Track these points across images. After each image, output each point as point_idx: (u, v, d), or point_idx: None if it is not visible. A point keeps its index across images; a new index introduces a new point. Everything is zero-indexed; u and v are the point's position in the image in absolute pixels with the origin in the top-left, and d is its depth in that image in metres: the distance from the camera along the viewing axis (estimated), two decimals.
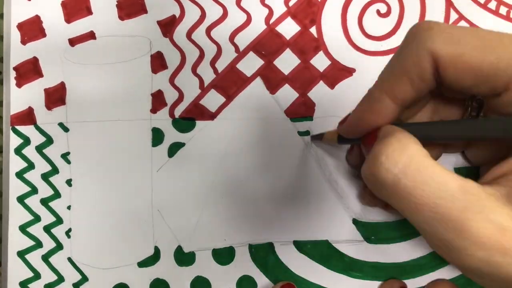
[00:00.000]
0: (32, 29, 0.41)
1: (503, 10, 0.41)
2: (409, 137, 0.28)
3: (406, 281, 0.40)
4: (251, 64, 0.42)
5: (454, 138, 0.33)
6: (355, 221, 0.41)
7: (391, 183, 0.27)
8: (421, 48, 0.29)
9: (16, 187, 0.41)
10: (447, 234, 0.26)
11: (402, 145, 0.27)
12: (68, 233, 0.41)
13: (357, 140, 0.34)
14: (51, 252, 0.41)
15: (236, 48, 0.41)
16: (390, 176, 0.27)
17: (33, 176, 0.41)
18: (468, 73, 0.28)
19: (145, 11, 0.42)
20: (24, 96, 0.41)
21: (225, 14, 0.41)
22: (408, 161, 0.27)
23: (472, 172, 0.40)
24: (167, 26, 0.41)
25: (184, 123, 0.41)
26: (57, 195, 0.41)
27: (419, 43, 0.29)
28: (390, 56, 0.41)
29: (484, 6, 0.41)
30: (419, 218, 0.27)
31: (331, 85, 0.41)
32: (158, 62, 0.41)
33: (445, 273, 0.41)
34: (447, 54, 0.28)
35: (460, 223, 0.25)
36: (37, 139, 0.41)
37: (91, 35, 0.41)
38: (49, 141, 0.41)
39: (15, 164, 0.41)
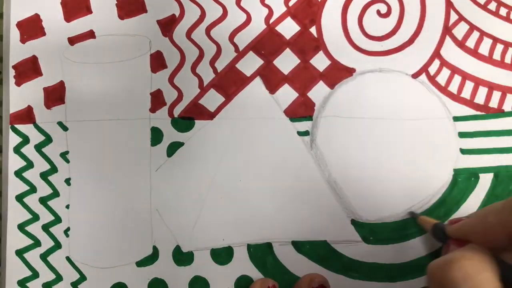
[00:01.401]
0: (32, 27, 0.41)
1: (503, 11, 0.41)
2: (490, 264, 0.28)
3: (405, 282, 0.41)
4: (250, 63, 0.41)
5: None
6: (354, 222, 0.41)
7: None
8: None
9: (15, 186, 0.41)
10: None
11: (480, 267, 0.28)
12: (66, 232, 0.41)
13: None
14: (50, 251, 0.41)
15: (236, 47, 0.41)
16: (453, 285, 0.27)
17: (32, 175, 0.41)
18: None
19: (145, 10, 0.41)
20: (23, 95, 0.41)
21: (225, 14, 0.41)
22: (477, 284, 0.27)
23: (471, 173, 0.41)
24: (167, 25, 0.41)
25: (183, 122, 0.41)
26: (55, 194, 0.41)
27: None
28: (390, 56, 0.41)
29: (484, 7, 0.41)
30: None
31: (331, 85, 0.41)
32: (157, 61, 0.41)
33: None
34: None
35: None
36: (36, 138, 0.41)
37: (90, 34, 0.41)
38: (48, 140, 0.41)
39: (14, 163, 0.41)
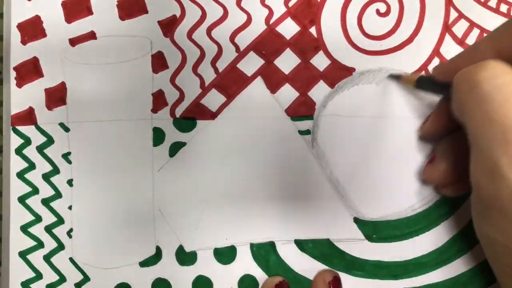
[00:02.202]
0: (32, 29, 0.41)
1: (503, 8, 0.41)
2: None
3: (409, 280, 0.41)
4: (251, 63, 0.42)
5: None
6: (356, 220, 0.41)
7: (483, 89, 0.28)
8: None
9: (17, 188, 0.41)
10: (502, 160, 0.27)
11: (505, 68, 0.28)
12: (69, 233, 0.41)
13: (436, 87, 0.35)
14: (53, 252, 0.41)
15: (237, 48, 0.42)
16: (486, 84, 0.28)
17: (34, 176, 0.41)
18: None
19: (146, 11, 0.42)
20: (24, 96, 0.41)
21: (225, 14, 0.42)
22: (510, 82, 0.27)
23: None
24: (168, 26, 0.42)
25: (185, 122, 0.41)
26: (58, 195, 0.41)
27: None
28: (389, 55, 0.41)
29: (485, 4, 0.41)
30: (486, 131, 0.28)
31: (331, 84, 0.42)
32: (159, 62, 0.41)
33: (447, 271, 0.41)
34: None
35: None
36: (37, 139, 0.41)
37: (91, 35, 0.41)
38: (49, 141, 0.41)
39: (16, 164, 0.41)
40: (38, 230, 0.41)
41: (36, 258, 0.41)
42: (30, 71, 0.41)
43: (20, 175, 0.41)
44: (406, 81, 0.39)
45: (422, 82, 0.37)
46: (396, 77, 0.40)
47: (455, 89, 0.31)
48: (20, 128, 0.41)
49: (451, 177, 0.37)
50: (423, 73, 0.41)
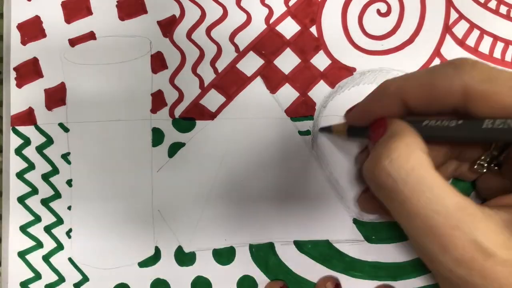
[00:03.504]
0: (32, 29, 0.41)
1: (503, 9, 0.41)
2: (416, 142, 0.29)
3: (407, 281, 0.41)
4: (251, 63, 0.41)
5: (459, 138, 0.33)
6: (356, 221, 0.41)
7: (390, 187, 0.28)
8: (457, 80, 0.29)
9: (16, 188, 0.41)
10: (432, 247, 0.27)
11: (408, 151, 0.28)
12: (68, 233, 0.41)
13: (365, 132, 0.35)
14: (52, 253, 0.41)
15: (236, 48, 0.41)
16: (390, 181, 0.28)
17: (34, 177, 0.41)
18: (499, 111, 0.29)
19: (145, 11, 0.42)
20: (24, 97, 0.41)
21: (225, 14, 0.41)
22: (411, 171, 0.28)
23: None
24: (167, 26, 0.41)
25: (184, 123, 0.41)
26: (57, 195, 0.41)
27: (456, 74, 0.29)
28: (390, 56, 0.41)
29: (484, 6, 0.41)
30: (409, 225, 0.28)
31: (332, 84, 0.41)
32: (158, 62, 0.41)
33: None
34: (482, 91, 0.28)
35: (447, 239, 0.27)
36: (37, 139, 0.41)
37: (91, 36, 0.41)
38: (49, 141, 0.41)
39: (16, 164, 0.41)
40: (37, 230, 0.41)
41: (35, 258, 0.41)
42: (30, 71, 0.41)
43: (20, 175, 0.41)
44: (337, 132, 0.39)
45: (352, 130, 0.38)
46: (327, 129, 0.40)
47: (367, 182, 0.32)
48: (20, 128, 0.41)
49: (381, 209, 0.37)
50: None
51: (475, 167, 0.36)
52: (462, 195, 0.27)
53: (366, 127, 0.35)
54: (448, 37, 0.41)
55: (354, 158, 0.41)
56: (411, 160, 0.28)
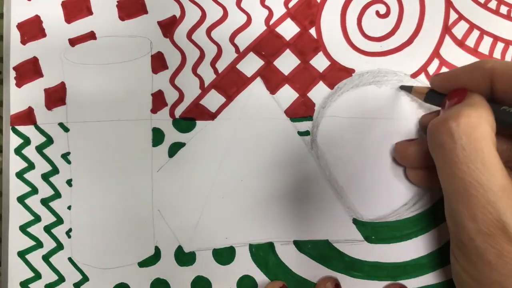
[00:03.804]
0: (32, 29, 0.41)
1: (503, 9, 0.41)
2: (488, 118, 0.30)
3: (407, 281, 0.41)
4: (251, 64, 0.42)
5: None
6: (355, 221, 0.41)
7: (447, 148, 0.30)
8: None
9: (16, 187, 0.41)
10: (463, 211, 0.29)
11: (477, 122, 0.29)
12: (68, 233, 0.41)
13: (443, 100, 0.36)
14: (52, 252, 0.41)
15: (236, 48, 0.42)
16: (450, 142, 0.30)
17: (33, 176, 0.41)
18: None
19: (146, 12, 0.42)
20: (24, 96, 0.41)
21: (225, 15, 0.42)
22: (473, 140, 0.29)
23: None
24: (168, 26, 0.42)
25: (185, 123, 0.41)
26: (57, 195, 0.41)
27: None
28: (389, 57, 0.41)
29: (484, 6, 0.41)
30: (450, 186, 0.30)
31: (331, 85, 0.42)
32: (158, 62, 0.41)
33: (446, 273, 0.41)
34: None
35: (480, 210, 0.28)
36: (37, 139, 0.41)
37: (91, 35, 0.41)
38: (49, 141, 0.41)
39: (15, 164, 0.41)
40: (37, 230, 0.41)
41: (35, 258, 0.41)
42: (29, 71, 0.41)
43: (20, 175, 0.41)
44: (416, 93, 0.39)
45: (430, 95, 0.38)
46: (407, 88, 0.40)
47: (428, 138, 0.33)
48: (20, 128, 0.41)
49: (419, 162, 0.38)
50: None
51: None
52: (510, 180, 0.29)
53: (446, 95, 0.35)
54: (447, 38, 0.41)
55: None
56: (476, 131, 0.29)
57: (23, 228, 0.41)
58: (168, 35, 0.41)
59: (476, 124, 0.29)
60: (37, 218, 0.41)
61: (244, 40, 0.42)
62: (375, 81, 0.41)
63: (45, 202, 0.41)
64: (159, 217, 0.41)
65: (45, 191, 0.41)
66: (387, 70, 0.42)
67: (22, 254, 0.41)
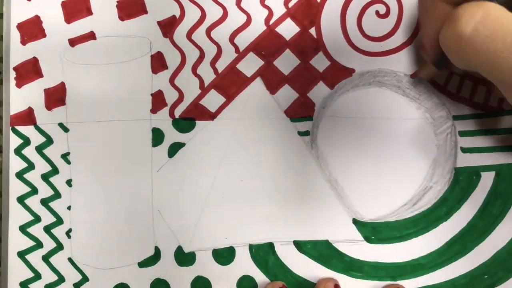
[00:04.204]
0: (32, 29, 0.41)
1: None
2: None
3: (407, 281, 0.41)
4: (251, 64, 0.42)
5: None
6: (355, 221, 0.41)
7: (470, 35, 0.28)
8: None
9: (16, 188, 0.41)
10: None
11: (480, 2, 0.28)
12: (68, 233, 0.41)
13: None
14: (52, 253, 0.41)
15: (236, 48, 0.42)
16: (469, 28, 0.28)
17: (33, 177, 0.41)
18: None
19: (145, 12, 0.42)
20: (24, 96, 0.41)
21: (225, 15, 0.42)
22: (487, 13, 0.28)
23: (473, 171, 0.41)
24: (167, 26, 0.42)
25: (184, 123, 0.41)
26: (57, 195, 0.41)
27: None
28: (389, 57, 0.41)
29: None
30: (497, 67, 0.28)
31: (331, 85, 0.42)
32: (158, 62, 0.41)
33: (445, 273, 0.41)
34: None
35: None
36: (37, 139, 0.41)
37: (91, 36, 0.41)
38: (49, 141, 0.41)
39: (15, 164, 0.41)
40: (37, 230, 0.41)
41: (35, 258, 0.41)
42: (29, 71, 0.41)
43: (19, 175, 0.41)
44: (426, 74, 0.40)
45: (437, 62, 0.37)
46: (417, 79, 0.41)
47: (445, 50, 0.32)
48: (20, 128, 0.41)
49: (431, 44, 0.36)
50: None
51: None
52: None
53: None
54: None
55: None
56: (484, 6, 0.28)
57: (23, 228, 0.41)
58: (168, 35, 0.41)
59: (480, 3, 0.28)
60: (37, 218, 0.41)
61: (244, 40, 0.42)
62: (375, 81, 0.41)
63: (45, 202, 0.41)
64: (159, 217, 0.41)
65: (45, 191, 0.41)
66: (387, 70, 0.42)
67: (22, 254, 0.41)
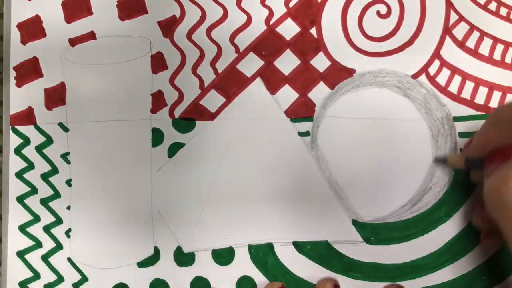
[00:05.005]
0: (32, 29, 0.41)
1: (503, 11, 0.41)
2: None
3: (406, 282, 0.40)
4: (251, 64, 0.42)
5: None
6: (355, 222, 0.41)
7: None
8: None
9: (15, 187, 0.41)
10: None
11: None
12: (67, 233, 0.41)
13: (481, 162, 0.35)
14: (51, 252, 0.41)
15: (236, 48, 0.41)
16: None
17: (33, 176, 0.41)
18: None
19: (146, 12, 0.42)
20: (24, 96, 0.41)
21: (225, 15, 0.41)
22: None
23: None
24: (168, 26, 0.41)
25: (184, 123, 0.41)
26: (56, 195, 0.41)
27: None
28: (390, 57, 0.41)
29: (484, 7, 0.41)
30: None
31: (331, 85, 0.41)
32: (158, 62, 0.41)
33: (444, 274, 0.40)
34: None
35: None
36: (37, 139, 0.41)
37: (91, 35, 0.41)
38: (49, 141, 0.41)
39: (15, 164, 0.41)
40: (36, 230, 0.41)
41: (34, 258, 0.41)
42: (29, 71, 0.41)
43: (19, 174, 0.41)
44: (452, 163, 0.39)
45: (469, 161, 0.37)
46: (443, 160, 0.40)
47: (486, 199, 0.31)
48: (19, 128, 0.41)
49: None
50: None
51: None
52: None
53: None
54: (448, 39, 0.41)
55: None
56: None
57: (22, 228, 0.41)
58: (168, 35, 0.41)
59: None
60: (37, 218, 0.41)
61: (244, 40, 0.42)
62: (376, 81, 0.41)
63: (44, 202, 0.41)
64: (158, 217, 0.41)
65: (44, 191, 0.41)
66: (388, 70, 0.41)
67: (21, 254, 0.41)
